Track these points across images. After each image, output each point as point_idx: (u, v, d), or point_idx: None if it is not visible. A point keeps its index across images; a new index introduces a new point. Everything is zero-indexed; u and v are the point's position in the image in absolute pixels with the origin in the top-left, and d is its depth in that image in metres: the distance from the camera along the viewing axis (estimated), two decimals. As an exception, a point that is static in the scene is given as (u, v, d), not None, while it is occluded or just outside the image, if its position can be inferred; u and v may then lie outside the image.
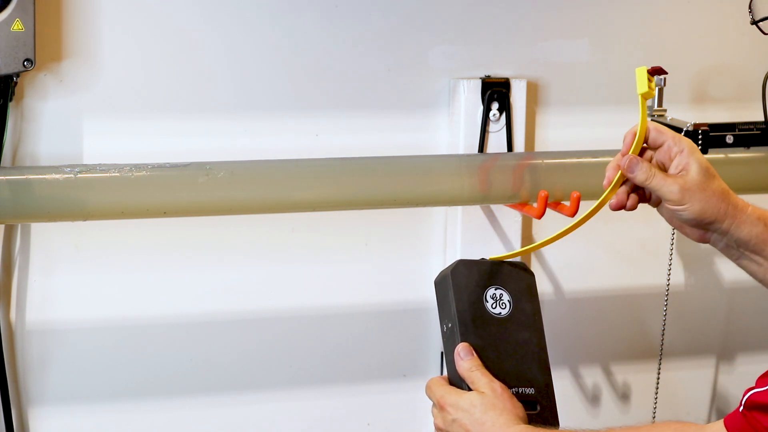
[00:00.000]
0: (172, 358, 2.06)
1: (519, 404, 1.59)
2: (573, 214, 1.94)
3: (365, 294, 2.15)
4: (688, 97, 2.25)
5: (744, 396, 1.40)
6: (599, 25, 2.18)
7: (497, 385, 1.59)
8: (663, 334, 2.20)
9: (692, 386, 2.38)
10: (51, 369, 2.00)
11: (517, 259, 1.75)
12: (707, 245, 1.71)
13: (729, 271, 2.34)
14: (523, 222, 2.16)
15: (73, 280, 1.99)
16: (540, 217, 1.97)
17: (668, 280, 2.19)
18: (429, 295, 2.16)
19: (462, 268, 1.67)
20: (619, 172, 1.64)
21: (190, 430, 2.10)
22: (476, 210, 2.13)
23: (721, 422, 1.42)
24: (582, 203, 1.93)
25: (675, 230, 1.96)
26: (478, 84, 2.10)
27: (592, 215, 1.68)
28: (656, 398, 2.23)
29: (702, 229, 1.67)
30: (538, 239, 2.18)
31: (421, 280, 2.16)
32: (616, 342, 2.32)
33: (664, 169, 1.65)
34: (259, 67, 2.01)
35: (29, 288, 1.97)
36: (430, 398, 1.65)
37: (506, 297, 1.67)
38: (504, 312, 1.66)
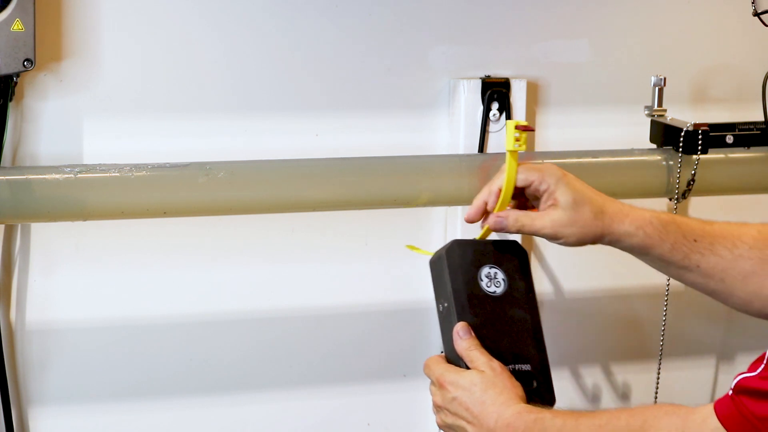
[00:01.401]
0: (172, 358, 2.06)
1: (518, 383, 1.60)
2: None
3: (365, 294, 2.15)
4: (688, 97, 2.25)
5: (734, 380, 1.41)
6: (599, 25, 2.18)
7: (496, 364, 1.60)
8: (663, 334, 2.20)
9: (692, 386, 2.38)
10: (51, 369, 2.00)
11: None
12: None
13: (729, 271, 2.33)
14: (523, 222, 2.16)
15: (73, 280, 1.99)
16: (540, 217, 1.96)
17: (668, 280, 2.19)
18: (429, 295, 2.17)
19: (456, 248, 1.67)
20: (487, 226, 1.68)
21: (190, 430, 2.10)
22: (476, 210, 2.12)
23: (711, 405, 1.43)
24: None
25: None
26: (478, 84, 2.10)
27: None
28: (656, 398, 2.23)
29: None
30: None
31: (421, 280, 2.15)
32: (616, 342, 2.31)
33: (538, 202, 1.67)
34: (259, 67, 2.01)
35: (29, 288, 1.97)
36: (428, 376, 1.65)
37: (501, 275, 1.67)
38: (499, 290, 1.66)
